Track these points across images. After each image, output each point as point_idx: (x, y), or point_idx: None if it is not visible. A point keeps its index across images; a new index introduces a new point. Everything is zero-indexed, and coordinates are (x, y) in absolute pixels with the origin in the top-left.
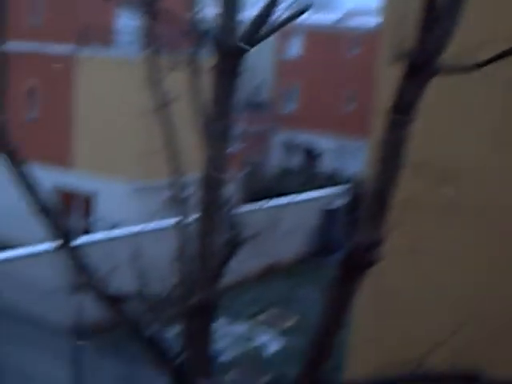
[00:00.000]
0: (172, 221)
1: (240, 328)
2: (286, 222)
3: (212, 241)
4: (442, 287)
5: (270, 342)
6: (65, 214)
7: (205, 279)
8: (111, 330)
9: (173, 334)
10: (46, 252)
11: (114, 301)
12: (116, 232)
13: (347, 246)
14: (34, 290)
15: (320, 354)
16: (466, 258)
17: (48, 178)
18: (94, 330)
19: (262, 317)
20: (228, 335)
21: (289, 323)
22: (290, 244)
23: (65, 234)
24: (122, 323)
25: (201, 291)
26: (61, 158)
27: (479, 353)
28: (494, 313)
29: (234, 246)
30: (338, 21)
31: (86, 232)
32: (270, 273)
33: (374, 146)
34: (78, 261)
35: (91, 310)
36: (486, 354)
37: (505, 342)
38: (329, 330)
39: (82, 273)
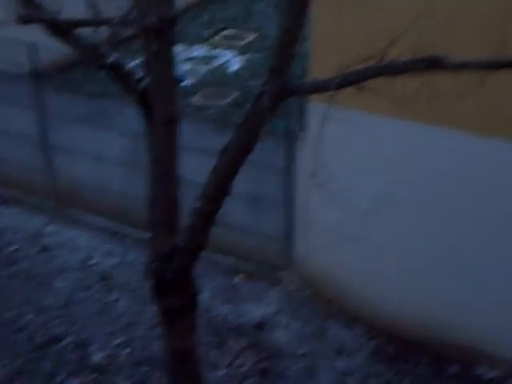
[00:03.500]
0: None
1: (199, 51)
2: None
3: None
4: None
5: (232, 61)
6: None
7: None
8: (70, 69)
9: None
10: None
11: (66, 29)
12: None
13: None
14: None
15: (283, 60)
16: None
17: None
18: (53, 70)
19: (219, 37)
20: (188, 59)
21: (248, 41)
22: None
23: None
24: (79, 53)
25: (157, 11)
26: None
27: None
28: None
29: None
30: None
31: None
32: None
33: None
34: None
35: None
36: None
37: None
38: (291, 30)
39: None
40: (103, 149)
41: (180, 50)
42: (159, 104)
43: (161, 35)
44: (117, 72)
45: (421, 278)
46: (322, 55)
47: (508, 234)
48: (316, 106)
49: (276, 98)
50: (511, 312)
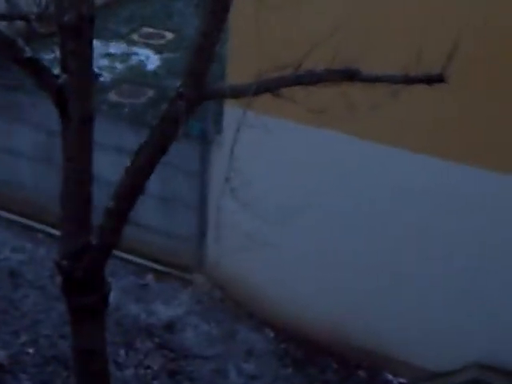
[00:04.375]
0: None
1: (117, 48)
2: None
3: None
4: None
5: (149, 59)
6: None
7: None
8: None
9: (49, 58)
10: None
11: None
12: None
13: None
14: None
15: (201, 63)
16: None
17: None
18: None
19: (138, 35)
20: (105, 55)
21: (166, 40)
22: None
23: None
24: None
25: (75, 8)
26: None
27: (359, 50)
28: None
29: None
30: None
31: None
32: None
33: None
34: None
35: None
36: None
37: None
38: (210, 34)
39: None
40: (16, 143)
41: (97, 46)
42: (75, 101)
43: (78, 32)
44: (33, 67)
45: (330, 283)
46: (240, 60)
47: (419, 236)
48: (233, 111)
49: (192, 101)
50: (419, 319)
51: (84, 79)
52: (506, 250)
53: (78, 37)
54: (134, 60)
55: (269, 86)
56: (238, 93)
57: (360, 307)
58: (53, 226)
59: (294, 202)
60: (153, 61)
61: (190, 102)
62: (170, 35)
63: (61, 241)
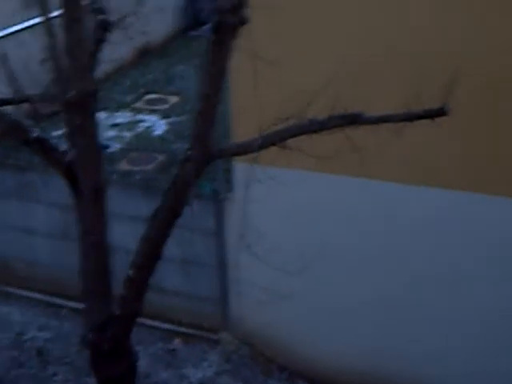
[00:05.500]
0: (35, 19)
1: (123, 117)
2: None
3: (79, 30)
4: None
5: (156, 125)
6: None
7: (78, 72)
8: None
9: (57, 135)
10: None
11: None
12: None
13: (214, 10)
14: None
15: (204, 126)
16: None
17: None
18: None
19: (142, 102)
20: (112, 126)
21: (170, 104)
22: (159, 23)
23: None
24: (2, 129)
25: (77, 85)
26: None
27: (359, 94)
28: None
29: (102, 31)
30: None
31: None
32: (145, 56)
33: None
34: None
35: None
36: (364, 95)
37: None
38: (210, 96)
39: None
40: (32, 221)
41: (104, 117)
42: (85, 175)
43: (82, 108)
44: (41, 146)
45: (353, 330)
46: (243, 117)
47: (436, 279)
48: (241, 167)
49: (200, 163)
50: (443, 361)
51: (92, 153)
52: None
53: (82, 112)
54: (141, 127)
55: (273, 139)
56: (243, 150)
57: (392, 353)
58: (76, 301)
59: (311, 250)
60: (159, 126)
61: (198, 164)
62: (173, 99)
63: (84, 314)
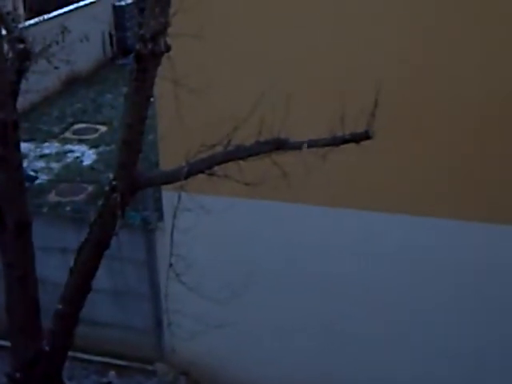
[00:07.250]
0: None
1: (51, 148)
2: (76, 29)
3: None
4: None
5: (85, 155)
6: None
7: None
8: None
9: None
10: None
11: None
12: None
13: (137, 38)
14: None
15: (129, 155)
16: None
17: None
18: None
19: (70, 132)
20: (40, 157)
21: (99, 133)
22: (85, 52)
23: None
24: None
25: None
26: None
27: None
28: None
29: (22, 61)
30: None
31: None
32: (71, 85)
33: None
34: None
35: None
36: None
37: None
38: (134, 125)
39: None
40: None
41: (31, 148)
42: (8, 210)
43: (3, 139)
44: None
45: (290, 353)
46: (170, 145)
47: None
48: (169, 195)
49: (126, 193)
50: None
51: (15, 186)
52: None
53: (3, 143)
54: (69, 158)
55: (200, 167)
56: (171, 178)
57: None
58: (2, 338)
59: (240, 277)
60: (88, 156)
61: (125, 194)
62: (102, 128)
63: (11, 352)
